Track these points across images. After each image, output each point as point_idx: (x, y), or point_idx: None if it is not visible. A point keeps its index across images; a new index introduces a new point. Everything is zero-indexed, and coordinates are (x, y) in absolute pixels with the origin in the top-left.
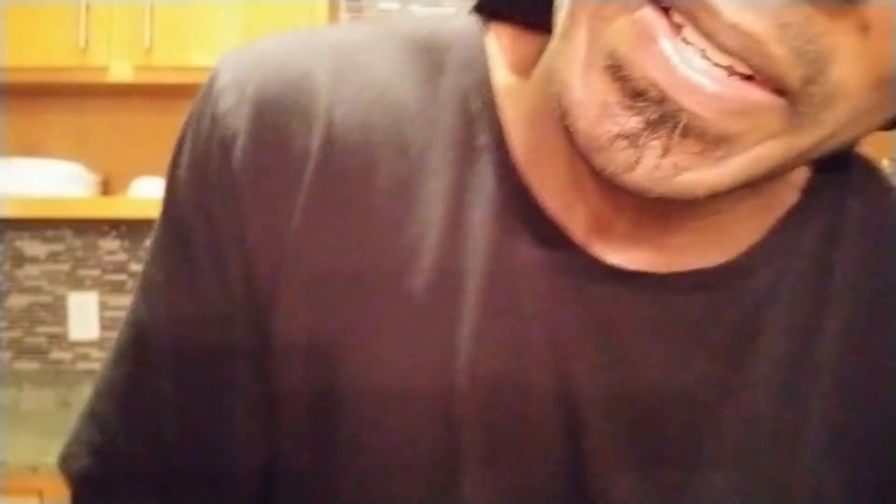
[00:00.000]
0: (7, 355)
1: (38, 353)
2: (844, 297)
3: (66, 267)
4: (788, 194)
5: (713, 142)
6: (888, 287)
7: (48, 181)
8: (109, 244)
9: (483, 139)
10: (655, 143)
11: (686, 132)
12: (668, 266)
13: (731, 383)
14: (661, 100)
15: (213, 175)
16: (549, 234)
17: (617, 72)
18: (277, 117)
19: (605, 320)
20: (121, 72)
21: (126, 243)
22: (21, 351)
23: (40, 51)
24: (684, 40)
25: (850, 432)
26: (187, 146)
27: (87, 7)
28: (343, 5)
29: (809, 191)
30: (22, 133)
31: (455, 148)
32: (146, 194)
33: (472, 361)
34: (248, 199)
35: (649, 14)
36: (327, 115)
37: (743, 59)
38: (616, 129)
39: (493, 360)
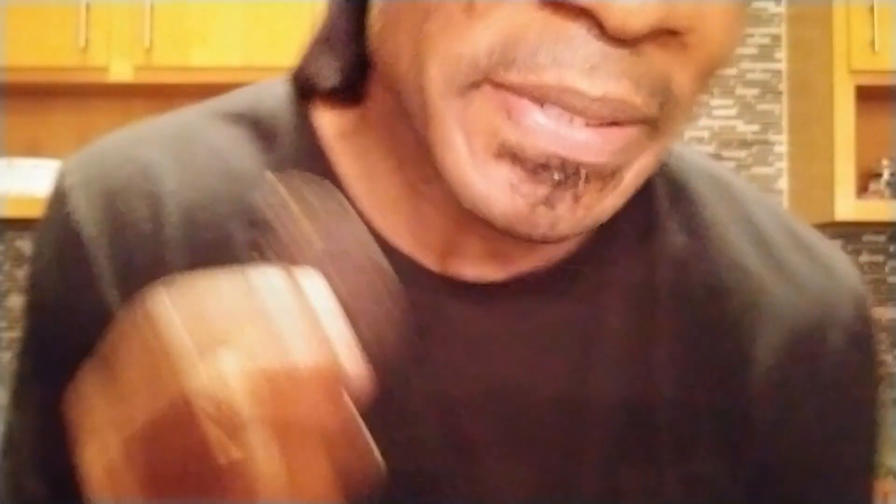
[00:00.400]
0: (7, 355)
1: None
2: (668, 274)
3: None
4: None
5: (609, 176)
6: (705, 266)
7: (48, 181)
8: None
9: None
10: (567, 196)
11: (588, 179)
12: (509, 273)
13: (582, 370)
14: (562, 164)
15: (72, 271)
16: (404, 266)
17: (513, 158)
18: (126, 208)
19: (466, 328)
20: (121, 72)
21: None
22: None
23: (40, 51)
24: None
25: (693, 396)
26: (44, 252)
27: (88, 7)
28: None
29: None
30: (22, 133)
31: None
32: None
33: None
34: (110, 291)
35: (517, 102)
36: (174, 197)
37: (613, 117)
38: (531, 200)
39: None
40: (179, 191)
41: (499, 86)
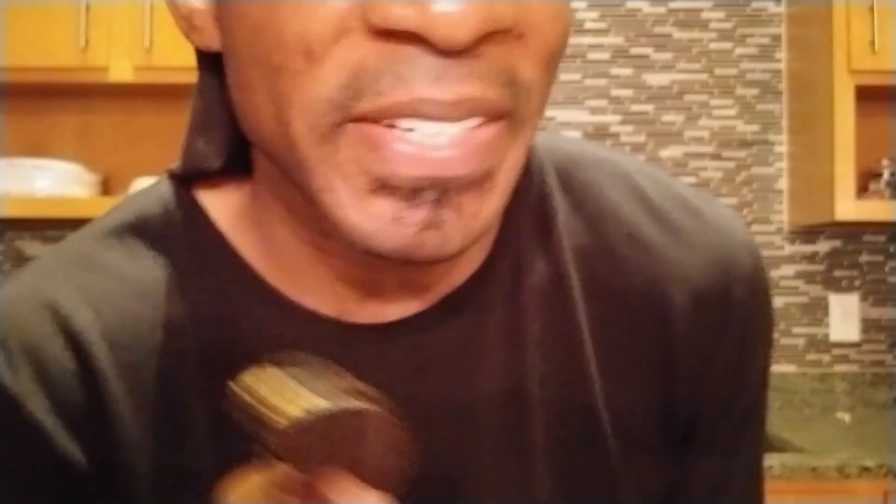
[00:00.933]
0: None
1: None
2: (575, 264)
3: None
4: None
5: (484, 180)
6: (599, 235)
7: (48, 181)
8: None
9: (228, 272)
10: (448, 212)
11: (462, 190)
12: (430, 301)
13: (515, 372)
14: (433, 184)
15: (14, 434)
16: (324, 325)
17: (388, 190)
18: (50, 357)
19: (390, 368)
20: (121, 72)
21: None
22: None
23: (41, 51)
24: (410, 129)
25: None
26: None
27: (88, 7)
28: None
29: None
30: (22, 133)
31: (206, 292)
32: None
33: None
34: (59, 439)
35: (379, 133)
36: (92, 330)
37: (470, 115)
38: (416, 226)
39: None
40: (95, 321)
41: (358, 120)
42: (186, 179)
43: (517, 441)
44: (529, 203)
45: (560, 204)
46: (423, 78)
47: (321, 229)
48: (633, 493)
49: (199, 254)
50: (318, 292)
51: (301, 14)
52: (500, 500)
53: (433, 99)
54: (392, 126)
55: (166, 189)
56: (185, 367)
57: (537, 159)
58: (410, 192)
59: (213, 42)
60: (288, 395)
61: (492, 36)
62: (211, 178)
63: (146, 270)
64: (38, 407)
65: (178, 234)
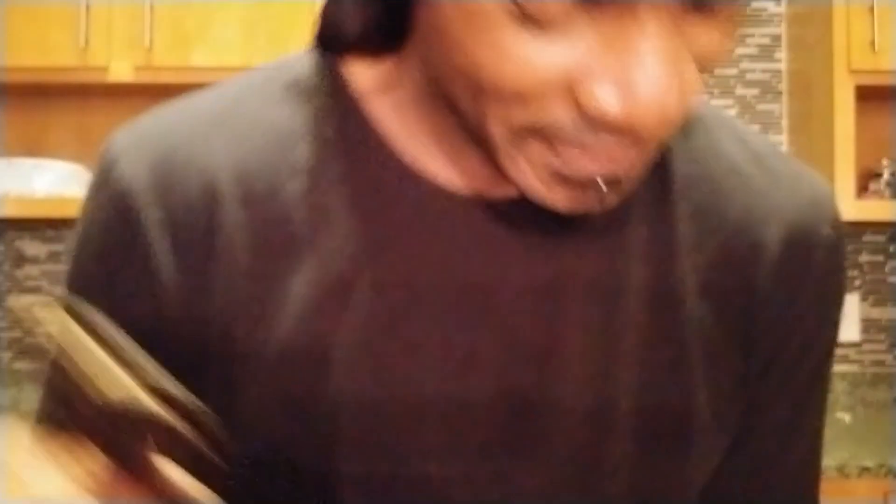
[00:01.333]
0: (7, 355)
1: (38, 353)
2: (682, 193)
3: (66, 267)
4: None
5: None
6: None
7: (48, 181)
8: None
9: (359, 135)
10: (613, 189)
11: (618, 181)
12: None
13: (611, 290)
14: (605, 179)
15: (122, 233)
16: (441, 194)
17: (566, 180)
18: (174, 176)
19: (514, 232)
20: (121, 72)
21: None
22: (21, 351)
23: (41, 51)
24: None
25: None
26: (93, 216)
27: (88, 7)
28: None
29: None
30: (22, 133)
31: (338, 150)
32: None
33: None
34: (162, 252)
35: (563, 148)
36: (223, 155)
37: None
38: (583, 202)
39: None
40: (228, 149)
41: (549, 137)
42: (327, 42)
43: (608, 330)
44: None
45: (677, 145)
46: (605, 144)
47: (465, 124)
48: (709, 410)
49: (333, 117)
50: (449, 168)
51: (522, 68)
52: (583, 379)
53: (610, 160)
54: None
55: (314, 54)
56: (299, 205)
57: None
58: (586, 184)
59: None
60: (106, 372)
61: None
62: (352, 44)
63: (282, 117)
64: (152, 213)
65: (316, 95)
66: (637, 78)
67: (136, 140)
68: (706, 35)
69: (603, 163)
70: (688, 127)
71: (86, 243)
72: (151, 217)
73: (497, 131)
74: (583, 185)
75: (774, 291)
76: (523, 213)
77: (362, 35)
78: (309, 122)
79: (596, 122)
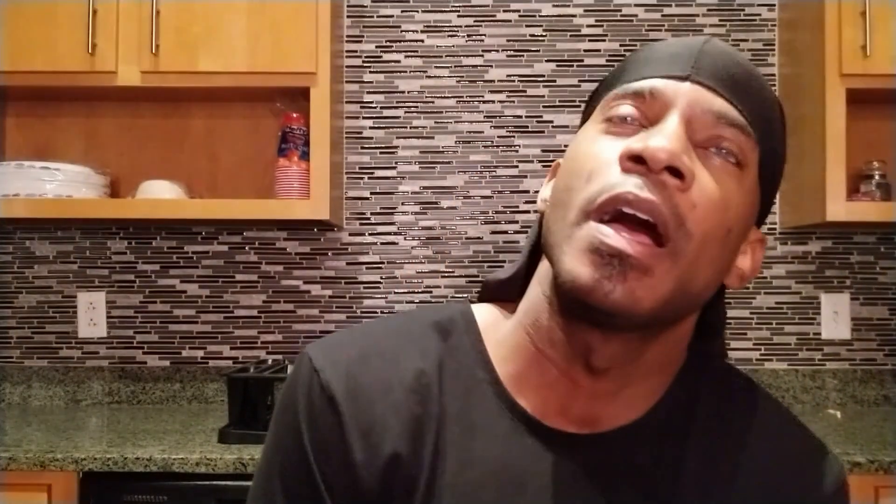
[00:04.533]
0: (17, 353)
1: (47, 350)
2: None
3: (74, 267)
4: (678, 355)
5: (643, 271)
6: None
7: (57, 183)
8: (117, 245)
9: (482, 375)
10: (622, 275)
11: (630, 267)
12: (604, 426)
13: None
14: (618, 255)
15: (322, 421)
16: (532, 424)
17: (597, 253)
18: (363, 383)
19: (575, 470)
20: (128, 76)
21: (134, 244)
22: (30, 349)
23: (50, 56)
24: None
25: None
26: (297, 404)
27: (95, 13)
28: (345, 12)
29: (693, 353)
30: (32, 136)
31: (465, 382)
32: (153, 196)
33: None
34: (355, 441)
35: (597, 225)
36: (399, 371)
37: (650, 215)
38: (608, 275)
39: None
40: (386, 372)
41: (595, 214)
42: (479, 300)
43: None
44: (688, 392)
45: (707, 409)
46: (633, 185)
47: (550, 337)
48: None
49: (464, 349)
50: (531, 399)
51: (593, 157)
52: None
53: (636, 196)
54: (604, 221)
55: (462, 304)
56: (410, 428)
57: (711, 379)
58: (607, 255)
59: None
60: None
61: (673, 172)
62: (493, 292)
63: (431, 349)
64: (345, 404)
65: (457, 335)
66: (653, 132)
67: (336, 354)
68: (702, 173)
69: (626, 240)
70: (725, 413)
71: (295, 422)
72: (347, 415)
73: (571, 219)
74: (607, 257)
75: None
76: (577, 448)
77: (510, 291)
78: (444, 353)
79: (625, 161)
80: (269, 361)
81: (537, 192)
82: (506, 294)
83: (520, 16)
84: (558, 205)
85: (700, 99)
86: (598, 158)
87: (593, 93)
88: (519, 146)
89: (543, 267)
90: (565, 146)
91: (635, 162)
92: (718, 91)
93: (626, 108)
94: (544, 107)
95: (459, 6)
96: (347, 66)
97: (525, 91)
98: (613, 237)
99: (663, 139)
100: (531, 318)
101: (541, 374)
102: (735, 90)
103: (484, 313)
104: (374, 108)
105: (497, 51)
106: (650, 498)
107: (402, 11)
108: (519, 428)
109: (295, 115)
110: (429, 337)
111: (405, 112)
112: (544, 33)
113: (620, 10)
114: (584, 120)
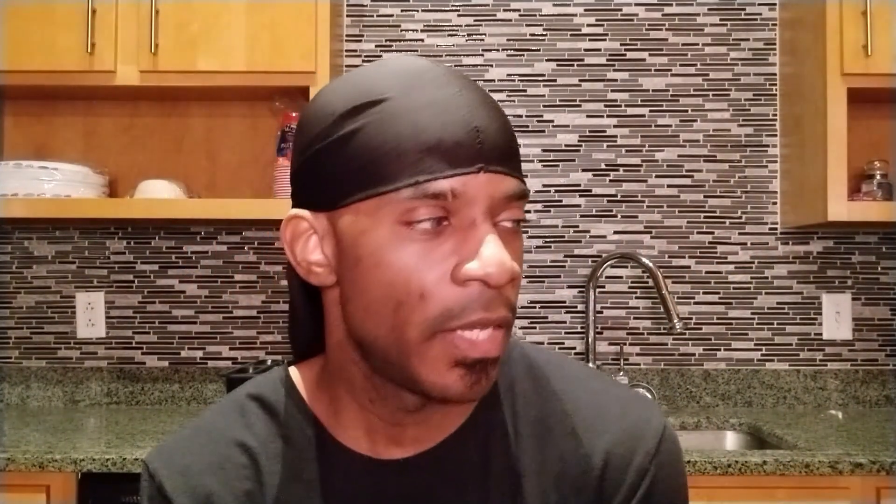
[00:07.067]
0: (15, 353)
1: (45, 351)
2: (526, 419)
3: (73, 267)
4: None
5: (498, 359)
6: (544, 416)
7: (56, 182)
8: (116, 245)
9: (310, 432)
10: (485, 375)
11: (491, 364)
12: (437, 439)
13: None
14: (484, 359)
15: None
16: (361, 459)
17: (460, 364)
18: (194, 470)
19: (419, 490)
20: (127, 75)
21: (132, 244)
22: (29, 349)
23: (49, 55)
24: (472, 335)
25: None
26: None
27: (94, 12)
28: (345, 11)
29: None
30: (30, 135)
31: (297, 444)
32: (152, 196)
33: None
34: None
35: (453, 335)
36: (227, 453)
37: (499, 327)
38: (471, 384)
39: None
40: (210, 457)
41: (445, 331)
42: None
43: None
44: (502, 384)
45: (520, 380)
46: (482, 307)
47: (369, 397)
48: None
49: (288, 411)
50: (359, 439)
51: (419, 273)
52: None
53: (488, 318)
54: (460, 330)
55: (278, 372)
56: (258, 488)
57: (511, 357)
58: (472, 365)
59: (326, 282)
60: None
61: (511, 281)
62: (297, 357)
63: (257, 423)
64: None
65: (279, 398)
66: (484, 251)
67: (166, 460)
68: (511, 246)
69: (480, 351)
70: (537, 379)
71: None
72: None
73: (413, 336)
74: (472, 367)
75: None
76: (411, 469)
77: (307, 346)
78: (268, 422)
79: (468, 284)
80: (269, 362)
81: (537, 192)
82: (315, 351)
83: (520, 15)
84: (379, 315)
85: (496, 187)
86: (425, 275)
87: (321, 167)
88: (519, 146)
89: (339, 332)
90: (566, 146)
91: (480, 284)
92: (506, 171)
93: (427, 211)
94: (545, 106)
95: (459, 5)
96: (347, 66)
97: (525, 90)
98: (477, 348)
99: (497, 256)
100: (345, 380)
101: (367, 422)
102: (513, 156)
103: (304, 373)
104: None
105: (497, 50)
106: (497, 489)
107: (402, 10)
108: (357, 470)
109: (294, 114)
110: (251, 411)
111: None
112: (544, 32)
113: (621, 10)
114: (327, 197)
